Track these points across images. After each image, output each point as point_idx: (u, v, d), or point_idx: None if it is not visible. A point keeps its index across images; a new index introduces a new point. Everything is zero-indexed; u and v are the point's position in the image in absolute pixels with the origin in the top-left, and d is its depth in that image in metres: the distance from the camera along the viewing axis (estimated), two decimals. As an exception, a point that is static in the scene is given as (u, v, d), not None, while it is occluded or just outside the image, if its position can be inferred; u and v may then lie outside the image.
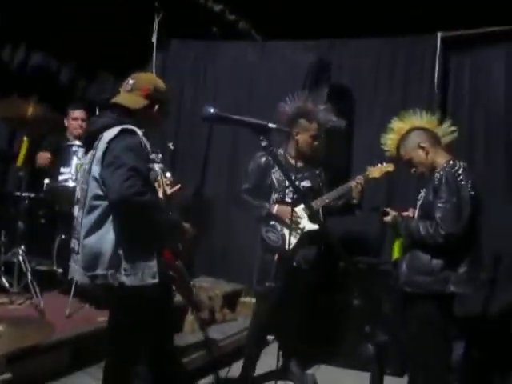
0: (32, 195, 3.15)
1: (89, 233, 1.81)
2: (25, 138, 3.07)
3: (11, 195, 3.17)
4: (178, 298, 3.29)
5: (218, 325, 3.50)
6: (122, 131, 1.81)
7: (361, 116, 3.77)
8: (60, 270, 3.05)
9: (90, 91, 4.12)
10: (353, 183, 2.74)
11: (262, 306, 2.73)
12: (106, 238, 1.79)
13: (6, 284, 2.95)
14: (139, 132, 1.86)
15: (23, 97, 3.55)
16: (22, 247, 2.99)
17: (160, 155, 3.43)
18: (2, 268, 2.99)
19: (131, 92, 1.96)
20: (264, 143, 1.51)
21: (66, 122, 3.39)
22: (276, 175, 2.72)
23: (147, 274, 1.78)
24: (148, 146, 1.87)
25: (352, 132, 3.72)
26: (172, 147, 3.51)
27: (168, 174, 3.43)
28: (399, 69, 3.79)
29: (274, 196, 2.72)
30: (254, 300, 3.30)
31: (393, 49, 3.84)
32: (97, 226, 1.80)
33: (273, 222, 2.70)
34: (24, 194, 3.08)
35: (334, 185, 2.83)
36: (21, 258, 2.95)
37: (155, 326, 1.90)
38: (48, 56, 3.81)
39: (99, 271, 1.79)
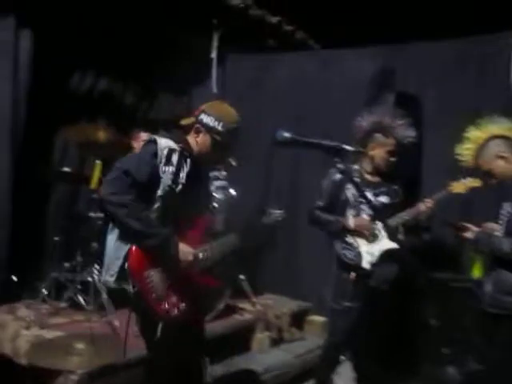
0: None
1: None
2: (97, 161, 3.35)
3: (85, 216, 3.44)
4: (245, 316, 3.48)
5: (287, 344, 3.58)
6: (147, 141, 1.99)
7: (429, 125, 3.73)
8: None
9: (152, 112, 4.39)
10: (422, 207, 2.69)
11: (337, 325, 2.76)
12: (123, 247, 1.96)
13: (83, 302, 3.21)
14: (163, 142, 1.94)
15: (91, 121, 3.89)
16: (96, 266, 3.24)
17: (224, 172, 3.64)
18: (79, 286, 3.26)
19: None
20: (339, 166, 1.58)
21: (133, 144, 3.65)
22: (351, 191, 2.75)
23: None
24: (174, 158, 1.93)
25: (421, 142, 3.69)
26: (234, 163, 3.65)
27: (232, 191, 3.62)
28: (469, 72, 3.71)
29: (349, 212, 2.76)
30: (322, 318, 3.35)
31: (461, 51, 3.75)
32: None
33: (349, 239, 2.74)
34: (97, 215, 3.33)
35: (404, 198, 2.84)
36: (95, 276, 3.20)
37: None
38: (113, 80, 4.12)
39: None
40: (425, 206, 2.70)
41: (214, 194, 3.45)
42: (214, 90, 4.41)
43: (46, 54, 3.45)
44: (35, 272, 3.48)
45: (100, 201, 1.85)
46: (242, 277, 3.72)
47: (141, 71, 4.07)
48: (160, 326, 1.90)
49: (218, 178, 3.59)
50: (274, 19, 4.66)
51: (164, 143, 1.94)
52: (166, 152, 1.92)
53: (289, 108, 4.19)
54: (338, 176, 2.76)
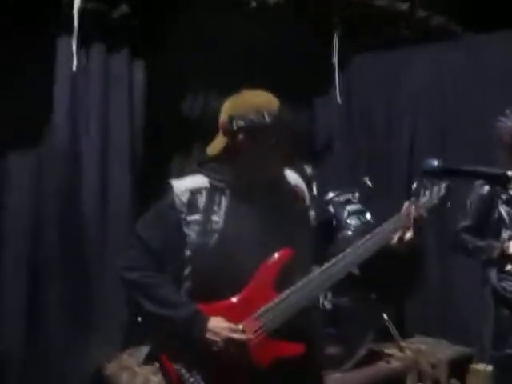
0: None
1: None
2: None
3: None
4: (392, 364, 3.51)
5: (446, 399, 3.59)
6: (166, 187, 1.83)
7: None
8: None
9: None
10: None
11: (502, 378, 2.74)
12: None
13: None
14: (182, 185, 1.78)
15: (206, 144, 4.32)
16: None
17: (357, 194, 3.79)
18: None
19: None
20: (505, 196, 1.61)
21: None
22: (505, 208, 2.71)
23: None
24: (200, 201, 1.75)
25: None
26: (369, 183, 3.78)
27: (368, 216, 3.74)
28: None
29: (505, 234, 2.72)
30: (489, 368, 3.31)
31: None
32: None
33: (509, 267, 2.69)
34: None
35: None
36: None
37: None
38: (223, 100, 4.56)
39: None
40: None
41: (348, 220, 3.61)
42: (338, 99, 4.58)
43: (158, 84, 3.95)
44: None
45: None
46: (385, 316, 3.80)
47: (251, 84, 4.45)
48: None
49: (350, 202, 3.73)
50: (404, 5, 4.72)
51: (184, 185, 1.77)
52: (186, 197, 1.75)
53: (431, 111, 4.25)
54: (487, 188, 2.73)
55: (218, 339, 1.66)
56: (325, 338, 3.24)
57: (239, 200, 1.77)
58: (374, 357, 3.56)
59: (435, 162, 1.65)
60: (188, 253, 1.76)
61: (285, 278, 1.74)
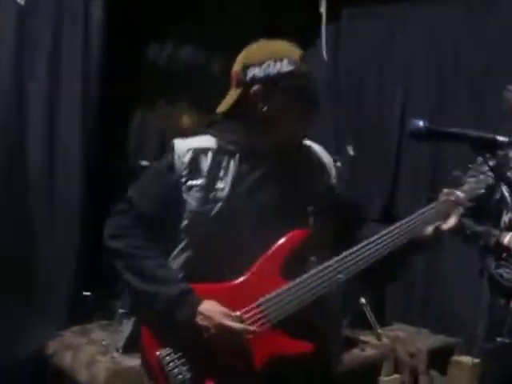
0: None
1: None
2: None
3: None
4: (367, 352, 3.53)
5: (424, 392, 3.64)
6: (168, 148, 1.73)
7: None
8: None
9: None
10: None
11: (492, 371, 2.76)
12: None
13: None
14: (185, 144, 1.68)
15: (173, 102, 4.24)
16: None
17: (339, 163, 3.75)
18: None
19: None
20: (491, 163, 1.63)
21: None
22: (508, 188, 2.68)
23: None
24: (203, 164, 1.65)
25: None
26: (352, 152, 3.75)
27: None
28: None
29: (506, 217, 2.75)
30: (475, 360, 3.35)
31: None
32: None
33: (505, 255, 2.71)
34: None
35: None
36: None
37: None
38: (197, 49, 4.46)
39: None
40: None
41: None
42: (324, 55, 4.53)
43: (119, 24, 3.84)
44: (110, 288, 3.88)
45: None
46: (362, 300, 3.81)
47: (232, 36, 4.35)
48: None
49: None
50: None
51: (187, 145, 1.67)
52: (188, 158, 1.65)
53: (427, 78, 4.24)
54: (487, 167, 2.74)
55: (208, 325, 1.56)
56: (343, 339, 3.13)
57: (250, 166, 1.67)
58: (348, 344, 3.58)
59: (421, 123, 1.63)
60: (185, 223, 1.66)
61: (295, 263, 1.64)
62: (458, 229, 1.76)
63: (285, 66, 1.63)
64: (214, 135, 1.70)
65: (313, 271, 1.63)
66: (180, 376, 1.60)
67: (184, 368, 1.60)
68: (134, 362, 3.13)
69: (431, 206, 1.75)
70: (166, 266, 1.67)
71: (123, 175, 4.10)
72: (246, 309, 1.60)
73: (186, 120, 3.66)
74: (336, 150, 4.00)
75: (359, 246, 1.66)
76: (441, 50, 4.23)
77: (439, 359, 3.80)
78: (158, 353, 1.62)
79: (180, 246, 1.68)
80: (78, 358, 3.26)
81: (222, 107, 1.71)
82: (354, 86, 4.54)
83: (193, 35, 4.32)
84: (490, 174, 1.86)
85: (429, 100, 4.16)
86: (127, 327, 1.75)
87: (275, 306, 1.60)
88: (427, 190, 4.14)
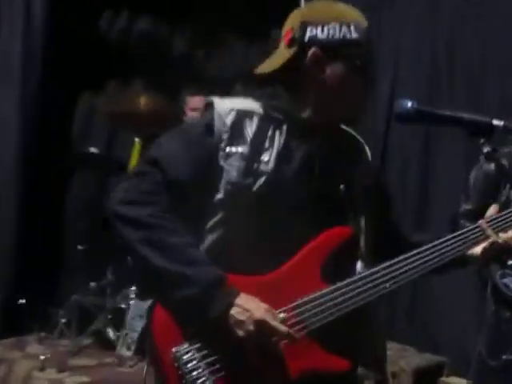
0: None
1: None
2: (136, 140, 3.56)
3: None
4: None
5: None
6: (203, 109, 1.63)
7: None
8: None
9: (213, 65, 4.56)
10: None
11: None
12: None
13: (113, 338, 3.42)
14: (226, 105, 1.58)
15: (126, 83, 4.12)
16: (134, 288, 3.46)
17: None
18: (109, 317, 3.48)
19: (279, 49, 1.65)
20: (486, 149, 1.59)
21: (187, 114, 3.83)
22: None
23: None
24: (248, 130, 1.56)
25: None
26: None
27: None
28: None
29: None
30: (468, 382, 3.34)
31: None
32: None
33: (511, 262, 2.70)
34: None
35: None
36: (132, 302, 3.41)
37: None
38: (155, 21, 4.36)
39: None
40: None
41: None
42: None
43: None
44: (50, 294, 3.77)
45: (108, 215, 1.51)
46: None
47: (196, 8, 4.26)
48: None
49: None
50: None
51: (228, 105, 1.58)
52: (230, 120, 1.56)
53: (418, 59, 4.21)
54: (493, 166, 2.73)
55: (246, 320, 1.42)
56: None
57: (297, 141, 1.58)
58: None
59: (408, 104, 1.57)
60: (220, 195, 1.53)
61: (337, 264, 1.55)
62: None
63: (352, 33, 1.55)
64: (258, 99, 1.61)
65: (357, 276, 1.54)
66: (200, 381, 1.43)
67: (206, 370, 1.44)
68: (76, 380, 3.04)
69: (476, 225, 1.72)
70: (197, 246, 1.52)
71: (68, 164, 4.01)
72: (280, 310, 1.47)
73: (144, 102, 3.55)
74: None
75: (409, 253, 1.59)
76: (431, 29, 4.22)
77: (426, 380, 3.78)
78: (174, 349, 1.44)
79: (210, 223, 1.54)
80: (13, 374, 3.18)
81: (266, 67, 1.61)
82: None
83: (151, 6, 4.22)
84: None
85: (420, 87, 4.15)
86: (137, 324, 1.47)
87: (313, 310, 1.49)
88: (415, 174, 4.18)
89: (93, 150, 3.83)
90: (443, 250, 1.63)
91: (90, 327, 3.48)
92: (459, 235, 1.67)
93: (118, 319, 3.46)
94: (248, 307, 1.42)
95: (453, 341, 3.90)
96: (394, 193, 4.26)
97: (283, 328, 1.43)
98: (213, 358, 1.44)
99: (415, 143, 4.21)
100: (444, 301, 3.99)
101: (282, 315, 1.45)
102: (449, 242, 1.64)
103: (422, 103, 1.59)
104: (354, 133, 1.72)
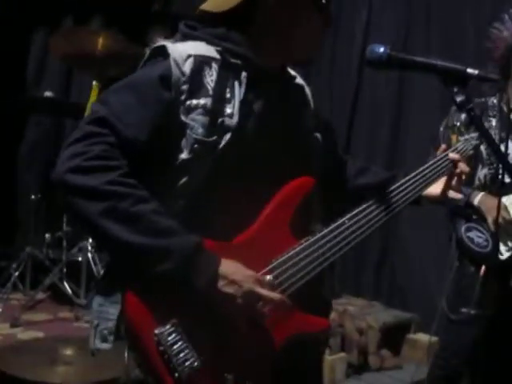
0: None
1: None
2: (94, 83, 3.51)
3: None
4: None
5: (373, 373, 3.66)
6: (150, 54, 1.49)
7: None
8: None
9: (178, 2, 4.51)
10: None
11: (453, 343, 2.82)
12: None
13: (70, 292, 3.43)
14: (182, 49, 1.46)
15: (83, 22, 4.05)
16: (91, 241, 3.47)
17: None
18: (65, 270, 3.48)
19: None
20: (459, 98, 1.62)
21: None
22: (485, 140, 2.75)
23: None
24: (207, 78, 1.45)
25: None
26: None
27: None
28: None
29: (481, 172, 2.79)
30: (433, 338, 3.43)
31: None
32: None
33: (475, 217, 2.76)
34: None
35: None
36: (90, 255, 3.43)
37: None
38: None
39: None
40: None
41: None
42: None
43: None
44: (2, 246, 3.75)
45: (54, 183, 1.34)
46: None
47: None
48: None
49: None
50: None
51: (184, 50, 1.46)
52: (189, 68, 1.44)
53: (395, 11, 4.23)
54: (464, 116, 2.76)
55: (235, 293, 1.35)
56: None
57: (257, 89, 1.49)
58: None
59: (381, 49, 1.56)
60: (184, 155, 1.42)
61: (301, 218, 1.50)
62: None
63: None
64: (211, 43, 1.48)
65: (325, 230, 1.51)
66: (188, 362, 1.35)
67: (193, 350, 1.36)
68: (30, 335, 3.06)
69: (430, 162, 1.77)
70: (165, 212, 1.37)
71: (21, 109, 3.95)
72: (260, 274, 1.42)
73: (103, 42, 3.49)
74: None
75: (373, 199, 1.62)
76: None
77: (392, 337, 3.84)
78: (156, 331, 1.34)
79: (176, 188, 1.44)
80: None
81: (219, 6, 1.50)
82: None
83: None
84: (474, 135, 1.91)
85: (394, 33, 4.18)
86: (109, 311, 1.31)
87: (290, 271, 1.45)
88: (387, 122, 4.27)
89: (48, 93, 3.77)
90: (417, 183, 1.71)
91: (45, 281, 3.46)
92: (428, 167, 1.76)
93: (75, 272, 3.48)
94: (234, 278, 1.35)
95: (422, 296, 3.99)
96: (367, 141, 4.38)
97: (276, 296, 1.39)
98: (199, 336, 1.37)
99: (388, 89, 4.27)
100: (414, 257, 4.09)
101: (268, 277, 1.41)
102: (420, 175, 1.73)
103: (394, 49, 1.58)
104: (294, 73, 1.67)
